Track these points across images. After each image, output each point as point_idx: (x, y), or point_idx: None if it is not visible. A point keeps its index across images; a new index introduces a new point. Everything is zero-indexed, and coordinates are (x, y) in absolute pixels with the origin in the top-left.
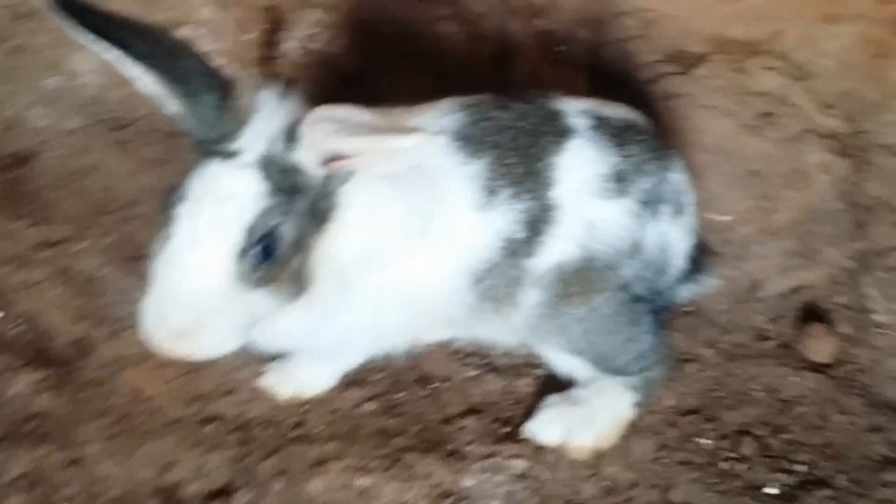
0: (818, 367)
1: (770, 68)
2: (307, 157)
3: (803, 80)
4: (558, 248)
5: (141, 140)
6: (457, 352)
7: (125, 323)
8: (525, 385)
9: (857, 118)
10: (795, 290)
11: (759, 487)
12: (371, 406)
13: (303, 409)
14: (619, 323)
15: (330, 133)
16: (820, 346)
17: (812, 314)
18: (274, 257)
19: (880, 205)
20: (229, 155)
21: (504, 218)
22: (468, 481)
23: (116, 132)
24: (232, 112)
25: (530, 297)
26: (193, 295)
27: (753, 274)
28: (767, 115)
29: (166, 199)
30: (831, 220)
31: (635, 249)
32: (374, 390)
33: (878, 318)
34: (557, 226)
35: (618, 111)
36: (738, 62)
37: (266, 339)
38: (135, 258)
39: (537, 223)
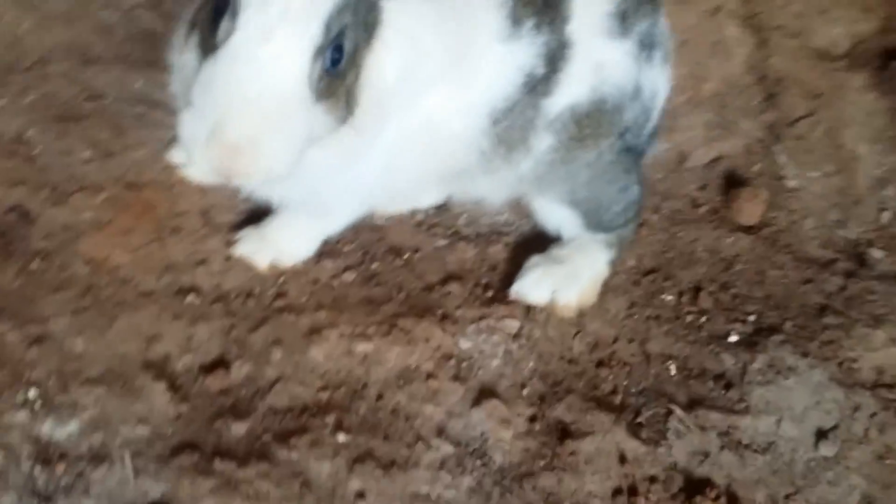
0: (746, 229)
1: None
2: None
3: None
4: (571, 88)
5: None
6: (421, 223)
7: (69, 188)
8: (497, 251)
9: (751, 0)
10: (717, 159)
11: (721, 336)
12: (350, 276)
13: (281, 279)
14: (618, 170)
15: None
16: (746, 210)
17: (733, 182)
18: (339, 66)
19: (786, 79)
20: None
21: (527, 51)
22: (466, 343)
23: None
24: None
25: (543, 142)
26: (264, 97)
27: (681, 145)
28: None
29: None
30: (744, 93)
31: (636, 93)
32: (348, 261)
33: (791, 183)
34: (571, 64)
35: None
36: None
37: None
38: (63, 118)
39: (555, 59)
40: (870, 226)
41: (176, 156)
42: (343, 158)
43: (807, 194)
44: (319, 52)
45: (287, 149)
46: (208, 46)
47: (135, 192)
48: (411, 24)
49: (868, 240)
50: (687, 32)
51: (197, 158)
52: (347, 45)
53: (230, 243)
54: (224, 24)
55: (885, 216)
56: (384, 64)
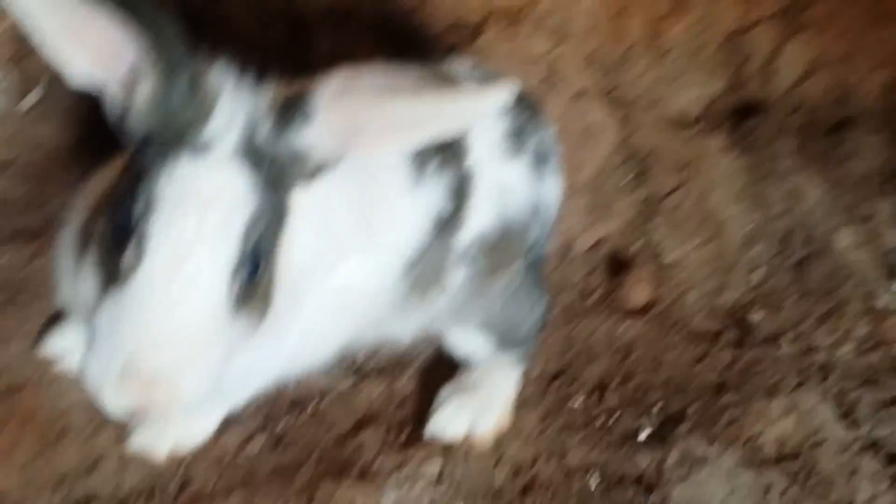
0: (637, 313)
1: (533, 34)
2: (321, 136)
3: (563, 43)
4: (478, 218)
5: None
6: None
7: None
8: (404, 384)
9: (609, 75)
10: (598, 243)
11: (632, 435)
12: (256, 445)
13: (183, 466)
14: (528, 287)
15: (366, 101)
16: (634, 293)
17: (617, 264)
18: (258, 274)
19: (652, 153)
20: (201, 147)
21: (433, 194)
22: (389, 498)
23: None
24: (201, 93)
25: (457, 277)
26: (181, 329)
27: (565, 234)
28: (548, 77)
29: (115, 216)
30: (616, 172)
31: (536, 210)
32: (252, 426)
33: (670, 257)
34: (475, 194)
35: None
36: (506, 29)
37: None
38: None
39: (459, 194)
40: (746, 287)
41: (49, 348)
42: (262, 350)
43: (686, 267)
44: (238, 268)
45: (208, 374)
46: (111, 272)
47: (12, 400)
48: (319, 206)
49: (747, 302)
50: (558, 121)
51: (107, 399)
52: (264, 250)
53: (122, 438)
54: (130, 251)
55: (757, 275)
56: (296, 251)
